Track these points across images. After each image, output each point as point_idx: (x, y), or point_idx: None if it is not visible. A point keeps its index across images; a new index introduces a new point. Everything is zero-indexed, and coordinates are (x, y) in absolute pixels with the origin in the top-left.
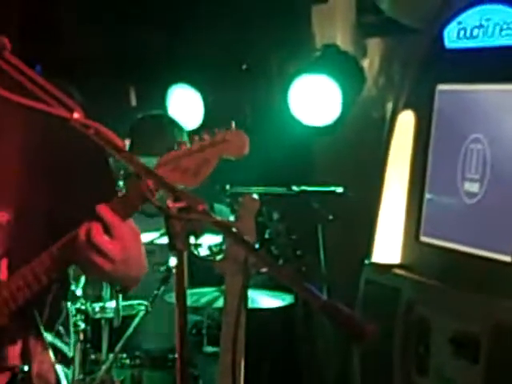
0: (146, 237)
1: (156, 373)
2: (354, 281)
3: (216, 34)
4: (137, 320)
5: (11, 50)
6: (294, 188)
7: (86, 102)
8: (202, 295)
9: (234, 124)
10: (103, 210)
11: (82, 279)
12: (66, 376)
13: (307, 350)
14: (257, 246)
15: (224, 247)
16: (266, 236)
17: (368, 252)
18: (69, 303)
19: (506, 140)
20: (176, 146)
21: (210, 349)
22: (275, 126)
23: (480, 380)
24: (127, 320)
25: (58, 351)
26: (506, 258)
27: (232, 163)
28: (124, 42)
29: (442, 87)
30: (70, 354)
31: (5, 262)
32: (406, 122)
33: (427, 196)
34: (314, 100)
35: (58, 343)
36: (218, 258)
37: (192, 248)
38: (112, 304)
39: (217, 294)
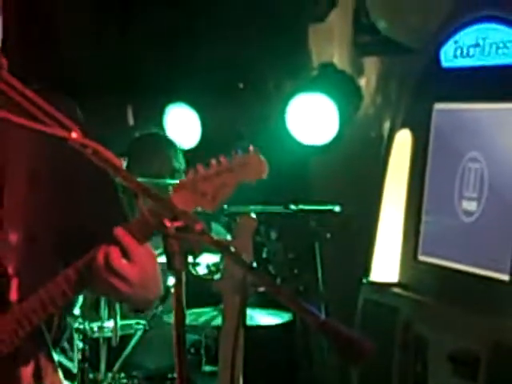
0: None
1: None
2: (352, 299)
3: (213, 53)
4: (135, 339)
5: (8, 67)
6: (292, 207)
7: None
8: (200, 314)
9: (252, 148)
10: (121, 233)
11: (80, 299)
12: None
13: (306, 367)
14: (254, 265)
15: (222, 266)
16: (264, 255)
17: (366, 270)
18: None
19: (503, 158)
20: (192, 170)
21: (208, 368)
22: (272, 144)
23: None
24: (125, 339)
25: (62, 368)
26: (504, 277)
27: None
28: (121, 60)
29: (439, 106)
30: (74, 371)
31: (15, 281)
32: (403, 141)
33: (425, 215)
34: (311, 119)
35: (63, 360)
36: (216, 277)
37: (190, 267)
38: (110, 323)
39: (215, 313)
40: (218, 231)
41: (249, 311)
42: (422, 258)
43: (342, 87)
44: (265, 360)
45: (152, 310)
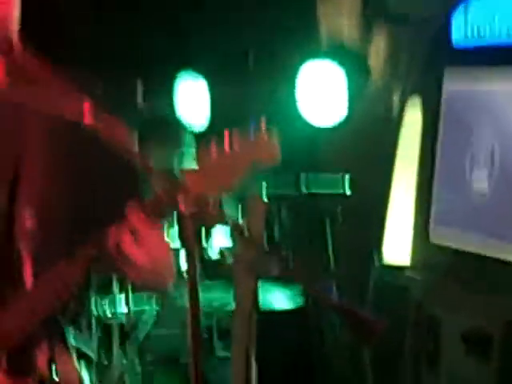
0: None
1: (167, 377)
2: (363, 277)
3: (222, 25)
4: (148, 323)
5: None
6: (303, 189)
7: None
8: (213, 299)
9: (264, 128)
10: (132, 219)
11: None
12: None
13: (318, 348)
14: (266, 246)
15: (234, 250)
16: (275, 234)
17: (377, 251)
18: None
19: None
20: (203, 153)
21: (221, 353)
22: (281, 119)
23: (492, 377)
24: (138, 323)
25: (79, 353)
26: None
27: None
28: (130, 34)
29: (449, 78)
30: (91, 356)
31: (29, 265)
32: (413, 115)
33: (436, 194)
34: (320, 91)
35: (79, 345)
36: (229, 261)
37: (203, 250)
38: (123, 308)
39: (227, 297)
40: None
41: (261, 294)
42: (433, 238)
43: (351, 59)
44: (277, 343)
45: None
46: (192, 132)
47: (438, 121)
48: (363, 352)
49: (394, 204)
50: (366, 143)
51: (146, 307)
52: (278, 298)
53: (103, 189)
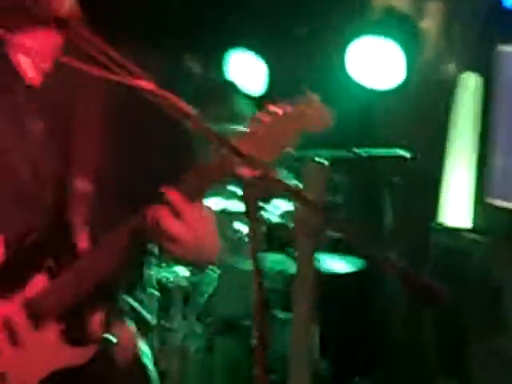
0: (217, 202)
1: (229, 340)
2: (421, 243)
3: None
4: (210, 287)
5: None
6: (362, 153)
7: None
8: (274, 262)
9: (316, 96)
10: (172, 193)
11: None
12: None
13: (378, 311)
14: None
15: (295, 214)
16: (335, 200)
17: (436, 215)
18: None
19: None
20: (254, 119)
21: (281, 314)
22: (338, 89)
23: None
24: (199, 288)
25: (136, 318)
26: None
27: None
28: (185, 8)
29: (503, 49)
30: (150, 321)
31: (84, 231)
32: (467, 84)
33: (495, 158)
34: (374, 63)
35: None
36: (290, 224)
37: (264, 215)
38: (185, 272)
39: (286, 259)
40: (287, 177)
41: (321, 257)
42: (493, 201)
43: (404, 30)
44: (337, 306)
45: (225, 258)
46: (249, 97)
47: (492, 84)
48: (423, 314)
49: (452, 168)
50: (421, 108)
51: (207, 271)
52: (337, 262)
53: (157, 159)
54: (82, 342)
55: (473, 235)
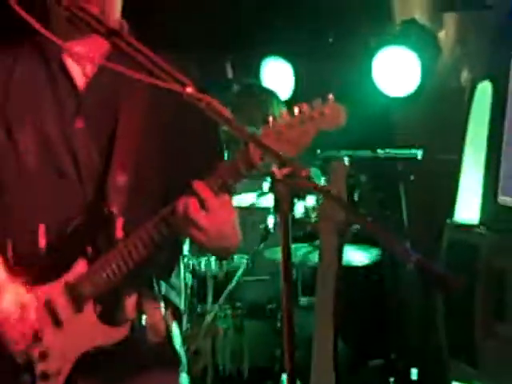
0: (246, 197)
1: (256, 321)
2: (435, 237)
3: (307, 9)
4: (238, 274)
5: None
6: (379, 152)
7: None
8: (297, 251)
9: (331, 97)
10: (199, 186)
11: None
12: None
13: (394, 300)
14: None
15: (320, 209)
16: (355, 197)
17: (450, 212)
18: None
19: None
20: (277, 117)
21: (304, 300)
22: (360, 94)
23: None
24: (230, 274)
25: (169, 303)
26: None
27: None
28: (222, 18)
29: None
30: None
31: (120, 221)
32: (483, 91)
33: (504, 160)
34: (396, 70)
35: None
36: (313, 219)
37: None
38: (216, 261)
39: (309, 250)
40: (316, 174)
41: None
42: (502, 199)
43: (424, 41)
44: (357, 294)
45: (254, 246)
46: (281, 101)
47: (506, 95)
48: (436, 305)
49: (465, 169)
50: (438, 113)
51: (237, 257)
52: (357, 254)
53: (190, 156)
54: (116, 322)
55: (483, 230)
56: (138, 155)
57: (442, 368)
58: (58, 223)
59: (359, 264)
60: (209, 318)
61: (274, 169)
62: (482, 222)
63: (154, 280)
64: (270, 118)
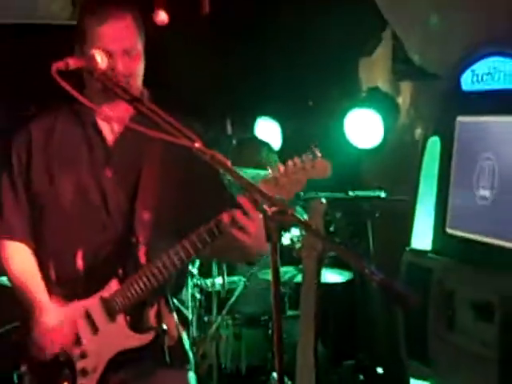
0: None
1: (252, 330)
2: (396, 263)
3: (291, 78)
4: (237, 291)
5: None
6: (350, 193)
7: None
8: (285, 273)
9: (320, 154)
10: (243, 200)
11: (197, 261)
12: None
13: (363, 312)
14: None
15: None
16: (331, 229)
17: (408, 241)
18: (188, 279)
19: (510, 157)
20: (274, 168)
21: (290, 312)
22: (335, 146)
23: (495, 335)
24: (230, 291)
25: (180, 314)
26: (510, 245)
27: None
28: (223, 84)
29: (460, 119)
30: (189, 317)
31: (143, 249)
32: (433, 144)
33: (451, 199)
34: (363, 127)
35: (181, 307)
36: (297, 246)
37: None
38: (219, 280)
39: (295, 272)
40: (299, 212)
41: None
42: (449, 230)
43: (386, 104)
44: (333, 307)
45: (251, 269)
46: (271, 147)
47: (451, 147)
48: (397, 316)
49: (419, 206)
50: (398, 161)
51: (236, 278)
52: (333, 275)
53: (199, 196)
54: (143, 329)
55: (434, 256)
56: (158, 198)
57: (402, 367)
58: (93, 250)
59: (335, 282)
60: (214, 326)
61: (266, 207)
62: (434, 250)
63: (169, 295)
64: (270, 170)
